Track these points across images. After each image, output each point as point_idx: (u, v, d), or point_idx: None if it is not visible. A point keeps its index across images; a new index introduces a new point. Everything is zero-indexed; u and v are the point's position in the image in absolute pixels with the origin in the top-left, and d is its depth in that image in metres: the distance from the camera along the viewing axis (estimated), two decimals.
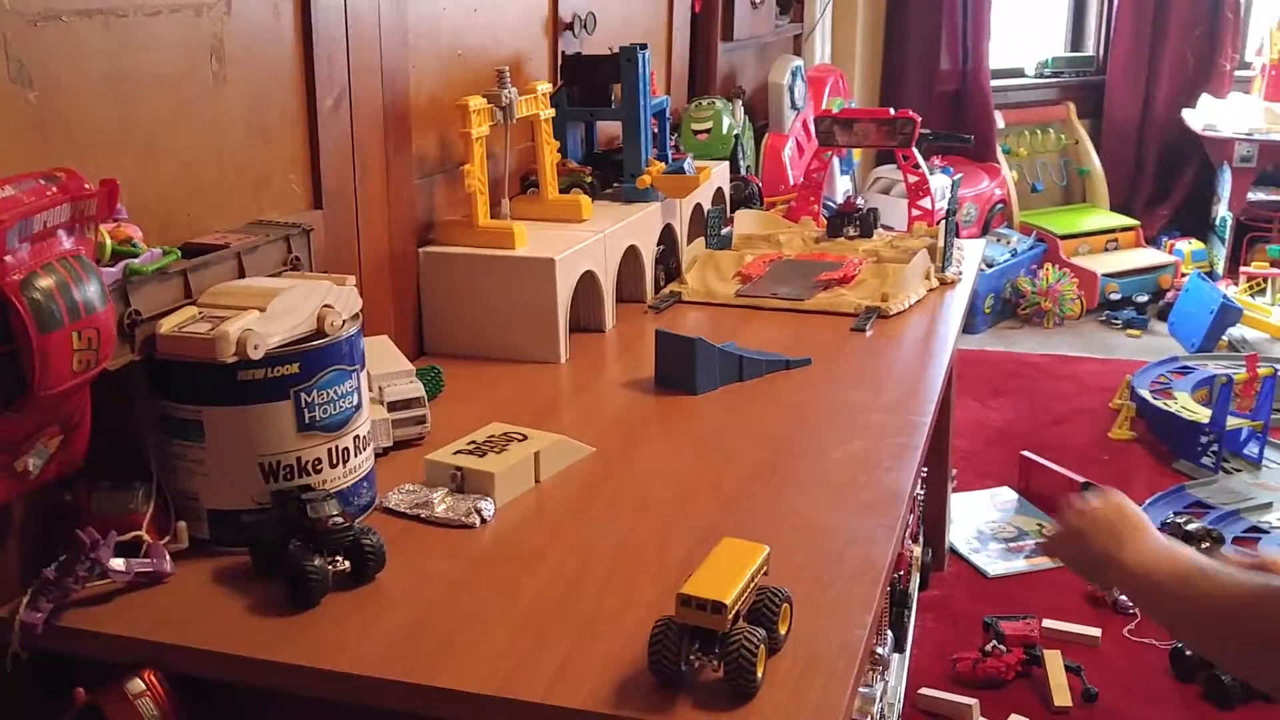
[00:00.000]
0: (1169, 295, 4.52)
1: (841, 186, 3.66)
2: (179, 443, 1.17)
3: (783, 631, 0.99)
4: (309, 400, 1.17)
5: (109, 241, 1.10)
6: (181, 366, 1.13)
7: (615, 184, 2.20)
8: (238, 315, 1.13)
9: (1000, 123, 4.94)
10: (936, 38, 4.80)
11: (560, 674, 0.96)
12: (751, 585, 0.97)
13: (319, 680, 0.99)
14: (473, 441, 1.37)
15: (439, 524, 1.23)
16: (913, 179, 2.44)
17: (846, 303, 1.99)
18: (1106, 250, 4.77)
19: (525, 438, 1.38)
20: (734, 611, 0.93)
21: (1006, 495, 3.00)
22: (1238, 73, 5.06)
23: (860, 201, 2.41)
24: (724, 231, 2.35)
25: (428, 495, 1.27)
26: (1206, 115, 4.83)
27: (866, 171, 4.40)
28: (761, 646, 0.92)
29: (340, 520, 1.11)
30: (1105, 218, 4.94)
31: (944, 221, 2.18)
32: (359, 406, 1.23)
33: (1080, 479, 2.87)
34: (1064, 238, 4.69)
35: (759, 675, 0.92)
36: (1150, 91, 5.09)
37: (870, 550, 1.16)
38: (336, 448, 1.20)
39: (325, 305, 1.21)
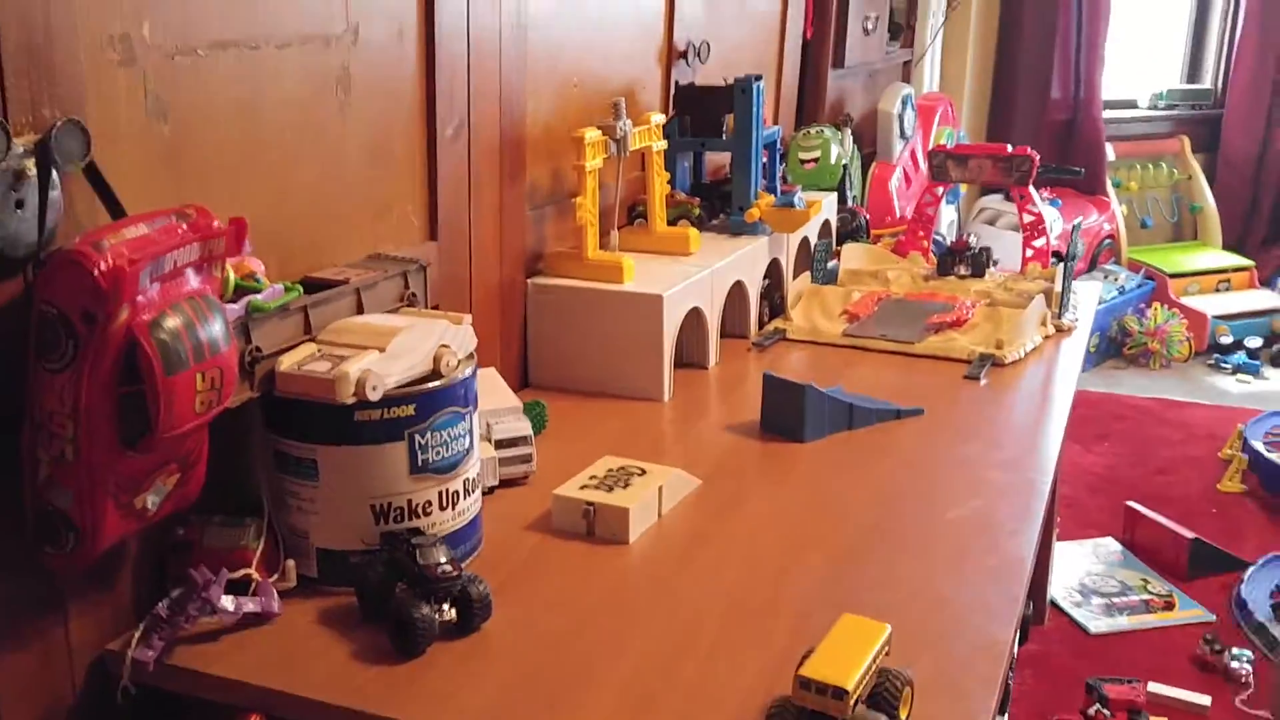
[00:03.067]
0: None
1: (947, 217, 3.59)
2: (292, 480, 1.16)
3: (904, 717, 0.94)
4: (423, 442, 1.15)
5: (233, 277, 1.10)
6: (298, 404, 1.13)
7: (722, 214, 2.17)
8: (357, 354, 1.12)
9: (1111, 155, 4.80)
10: (1048, 66, 4.69)
11: None
12: (873, 668, 0.92)
13: None
14: (593, 476, 1.35)
15: None
16: (1028, 218, 2.37)
17: (959, 348, 1.93)
18: (1218, 290, 4.61)
19: (644, 471, 1.36)
20: (855, 697, 0.89)
21: (1111, 546, 2.90)
22: None
23: (972, 239, 2.34)
24: (830, 265, 2.30)
25: None
26: None
27: (972, 202, 4.31)
28: None
29: (449, 568, 1.09)
30: (1217, 256, 4.77)
31: (1063, 265, 2.11)
32: (470, 449, 1.22)
33: (1189, 535, 2.76)
34: (1174, 276, 4.54)
35: None
36: (1270, 127, 4.91)
37: (991, 624, 1.11)
38: (447, 490, 1.19)
39: (442, 345, 1.19)
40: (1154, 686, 2.25)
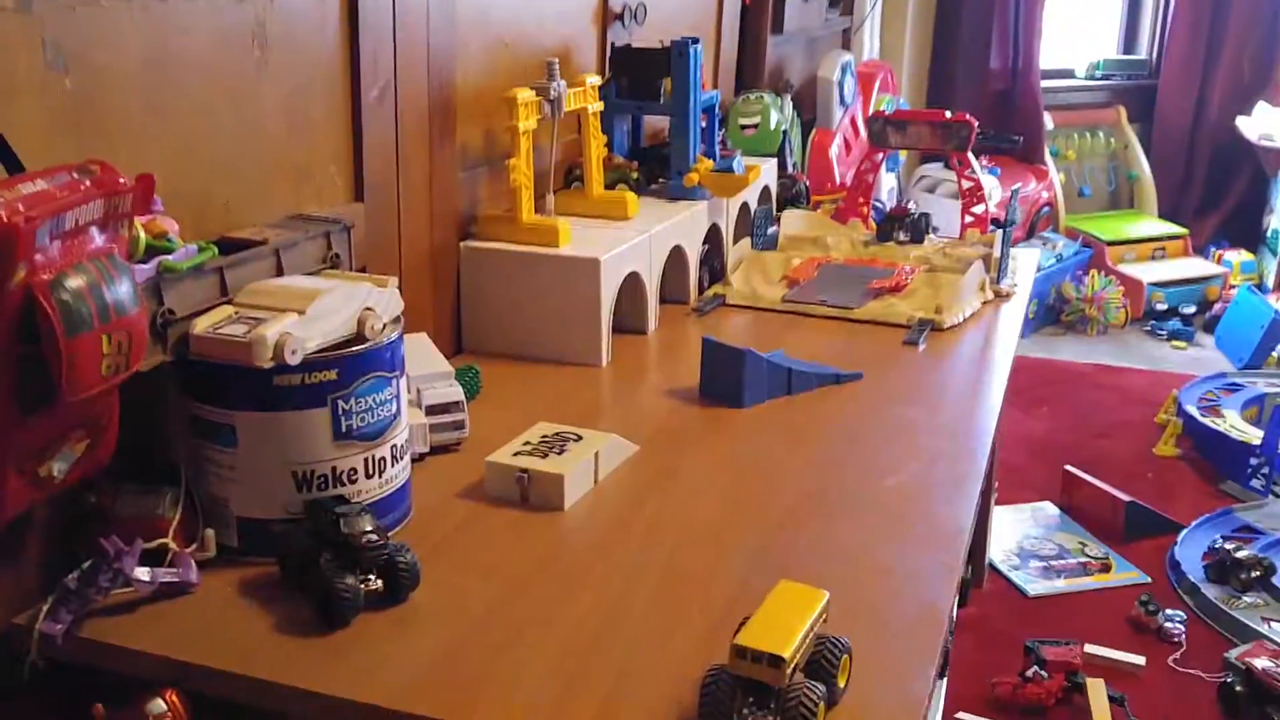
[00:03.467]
0: (1216, 307, 4.42)
1: (887, 184, 3.58)
2: (210, 447, 1.12)
3: (842, 684, 0.93)
4: (346, 408, 1.12)
5: (143, 236, 1.05)
6: (215, 368, 1.08)
7: (660, 179, 2.14)
8: (276, 317, 1.08)
9: (1049, 124, 4.83)
10: (987, 36, 4.70)
11: (601, 717, 0.91)
12: (810, 635, 0.91)
13: (348, 712, 0.94)
14: (527, 443, 1.31)
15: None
16: (967, 184, 2.37)
17: (898, 313, 1.92)
18: (1153, 258, 4.67)
19: (580, 437, 1.33)
20: (792, 665, 0.87)
21: (1049, 510, 2.93)
22: None
23: (912, 205, 2.33)
24: (770, 231, 2.28)
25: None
26: (1263, 124, 4.71)
27: (912, 169, 4.32)
28: (820, 704, 0.86)
29: (374, 537, 1.06)
30: (1153, 225, 4.83)
31: (1001, 231, 2.11)
32: (398, 414, 1.18)
33: (1125, 497, 2.80)
34: (1110, 244, 4.59)
35: None
36: (1204, 97, 4.97)
37: (929, 592, 1.10)
38: (373, 457, 1.15)
39: (366, 308, 1.15)
40: (1090, 648, 2.28)
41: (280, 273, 1.20)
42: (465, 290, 1.73)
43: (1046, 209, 4.66)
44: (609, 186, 1.97)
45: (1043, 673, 2.16)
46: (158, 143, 1.16)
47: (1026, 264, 2.28)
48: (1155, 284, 4.46)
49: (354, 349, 1.12)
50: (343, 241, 1.28)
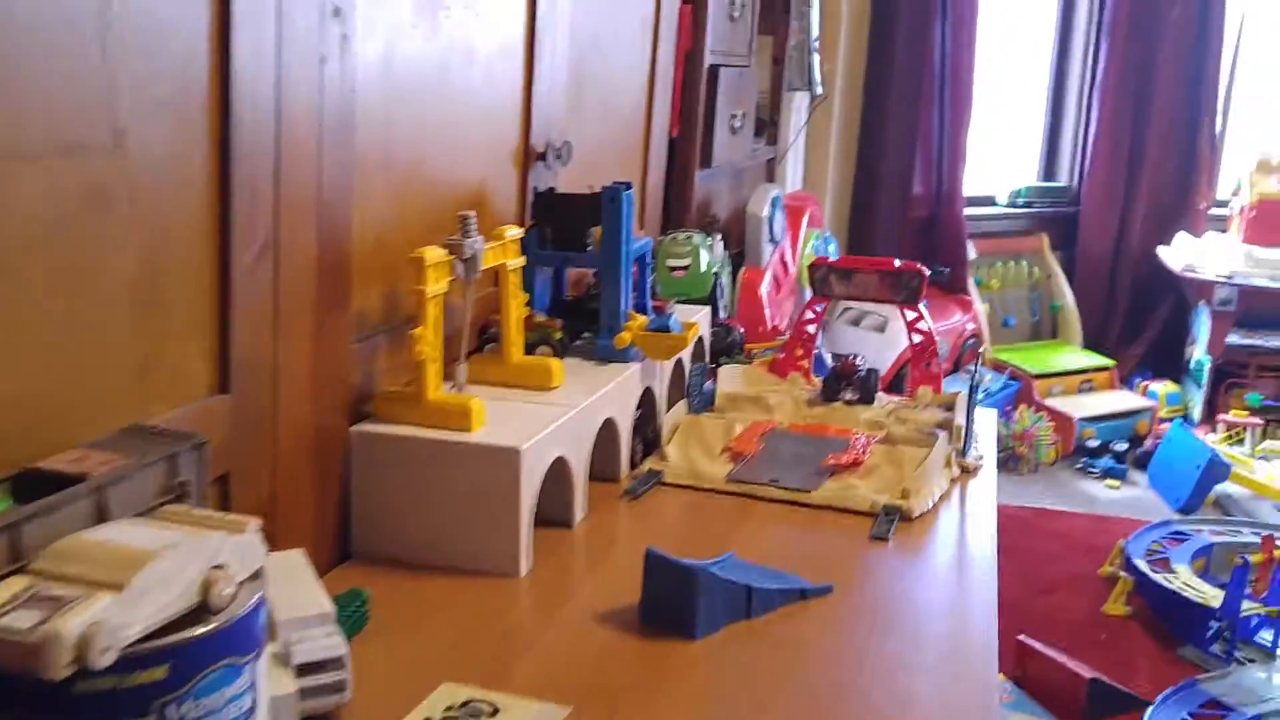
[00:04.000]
0: (1148, 443, 4.31)
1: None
2: None
3: None
4: (179, 716, 0.82)
5: None
6: None
7: (586, 335, 1.89)
8: (84, 597, 0.78)
9: (972, 253, 4.75)
10: (910, 161, 4.63)
11: None
12: None
13: None
14: None
15: None
16: (918, 338, 2.16)
17: (859, 498, 1.68)
18: (1081, 391, 4.56)
19: (496, 710, 1.04)
20: None
21: (1003, 687, 2.69)
22: (1213, 210, 4.94)
23: (859, 360, 2.12)
24: (706, 387, 2.04)
25: None
26: (1185, 255, 4.68)
27: (834, 303, 4.15)
28: None
29: None
30: (1079, 356, 4.74)
31: (968, 396, 1.90)
32: (252, 711, 0.88)
33: (1088, 673, 2.57)
34: (1038, 377, 4.48)
35: None
36: (1125, 225, 4.96)
37: None
38: None
39: (214, 567, 0.86)
40: None
41: (104, 518, 0.90)
42: (355, 484, 1.44)
43: (973, 340, 4.54)
44: (529, 349, 1.72)
45: None
46: None
47: (987, 429, 2.07)
48: (1085, 419, 4.33)
49: (193, 634, 0.82)
50: (192, 463, 0.99)
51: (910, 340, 2.18)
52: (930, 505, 1.69)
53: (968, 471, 1.86)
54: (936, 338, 2.20)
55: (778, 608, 1.35)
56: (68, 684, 0.77)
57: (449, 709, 1.04)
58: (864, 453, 1.80)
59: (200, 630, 0.83)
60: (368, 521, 1.45)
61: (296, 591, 1.15)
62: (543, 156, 1.91)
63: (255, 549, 0.91)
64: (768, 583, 1.36)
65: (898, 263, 2.16)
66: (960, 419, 1.91)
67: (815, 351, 2.31)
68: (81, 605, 0.77)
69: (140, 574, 0.81)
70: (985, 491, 1.79)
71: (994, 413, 2.28)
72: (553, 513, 1.57)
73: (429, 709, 1.04)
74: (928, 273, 2.13)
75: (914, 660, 1.25)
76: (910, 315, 2.16)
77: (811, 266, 2.22)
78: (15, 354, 0.93)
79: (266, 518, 1.25)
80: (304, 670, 1.07)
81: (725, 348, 2.32)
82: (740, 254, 3.09)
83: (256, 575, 0.91)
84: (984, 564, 1.51)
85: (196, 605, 0.85)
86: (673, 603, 1.29)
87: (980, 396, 1.90)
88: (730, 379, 2.12)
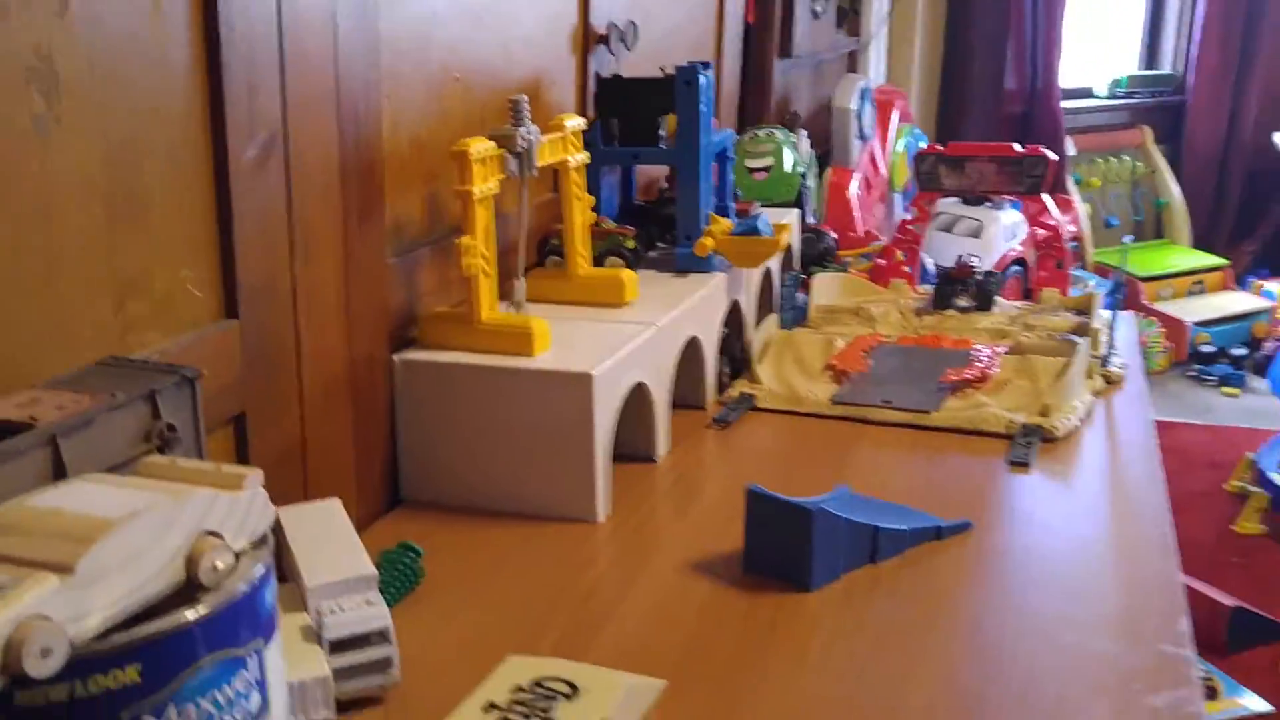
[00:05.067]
0: (1267, 346, 3.97)
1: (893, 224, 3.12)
2: None
3: None
4: None
5: None
6: None
7: (661, 244, 1.67)
8: (19, 584, 0.59)
9: (1071, 149, 4.40)
10: (1002, 55, 4.27)
11: None
12: None
13: None
14: (493, 705, 0.82)
15: None
16: (1043, 234, 1.90)
17: (991, 417, 1.44)
18: (1191, 294, 4.22)
19: (574, 689, 0.84)
20: None
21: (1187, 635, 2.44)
22: None
23: (976, 262, 1.86)
24: (799, 299, 1.81)
25: None
26: None
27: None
28: None
29: None
30: (1190, 257, 4.39)
31: (1105, 295, 1.64)
32: (264, 709, 0.69)
33: (1230, 601, 2.32)
34: (1146, 280, 4.14)
35: None
36: (1236, 114, 4.57)
37: None
38: None
39: (205, 534, 0.66)
40: None
41: (61, 474, 0.71)
42: (402, 421, 1.24)
43: (1074, 244, 4.21)
44: (598, 260, 1.50)
45: None
46: None
47: (1127, 335, 1.81)
48: (1198, 323, 4.00)
49: (173, 622, 0.63)
50: (181, 402, 0.78)
51: (1034, 236, 1.92)
52: (1076, 423, 1.45)
53: (1112, 383, 1.61)
54: (1063, 231, 1.93)
55: (906, 550, 1.13)
56: (5, 698, 0.58)
57: (517, 689, 0.84)
58: (991, 365, 1.56)
59: (185, 619, 0.63)
60: (418, 464, 1.25)
61: (331, 551, 0.96)
62: (605, 40, 1.66)
63: (257, 508, 0.71)
64: (894, 521, 1.14)
65: (1018, 147, 1.89)
66: (1098, 322, 1.66)
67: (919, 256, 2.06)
68: (13, 594, 0.58)
69: (94, 549, 0.61)
70: (1137, 405, 1.54)
71: (1132, 315, 2.00)
72: (631, 447, 1.36)
73: (492, 691, 0.84)
74: (1054, 157, 1.86)
75: (1084, 618, 1.02)
76: (1034, 209, 1.89)
77: (917, 157, 1.96)
78: None
79: (296, 463, 1.06)
80: (339, 647, 0.88)
81: (817, 255, 2.07)
82: (825, 154, 2.82)
83: (261, 542, 0.71)
84: (1153, 492, 1.27)
85: (182, 584, 0.65)
86: (782, 548, 1.07)
87: (1121, 297, 1.63)
88: (825, 289, 1.88)
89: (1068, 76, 4.49)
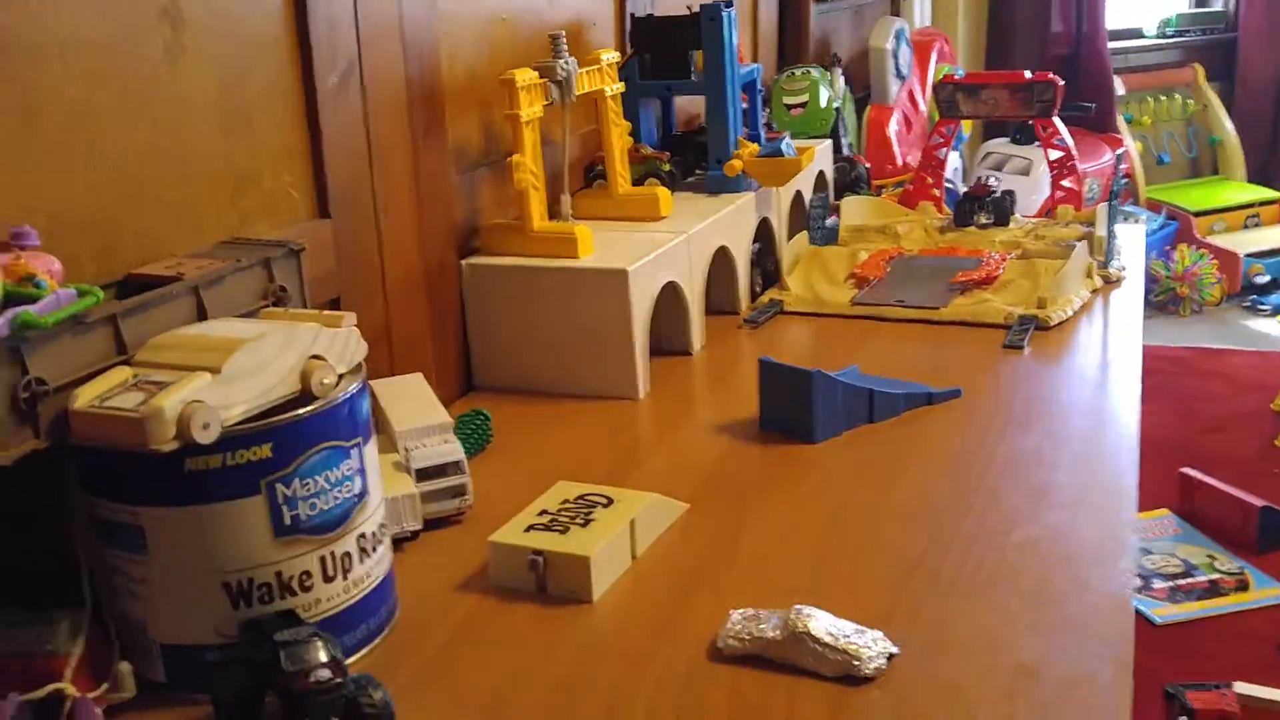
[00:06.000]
0: None
1: (951, 164, 3.25)
2: (116, 555, 0.84)
3: None
4: (288, 494, 0.83)
5: None
6: (115, 454, 0.80)
7: (698, 171, 1.84)
8: (182, 379, 0.80)
9: (1120, 89, 4.46)
10: None
11: None
12: None
13: None
14: (544, 512, 1.02)
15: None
16: (1055, 154, 2.04)
17: (992, 310, 1.61)
18: (1246, 227, 4.27)
19: (610, 501, 1.04)
20: None
21: (1168, 521, 2.58)
22: None
23: (993, 182, 2.01)
24: (829, 223, 1.97)
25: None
26: None
27: (975, 146, 3.98)
28: None
29: (328, 674, 0.77)
30: (1242, 190, 4.43)
31: (1106, 205, 1.78)
32: (364, 494, 0.89)
33: (1258, 502, 2.44)
34: (1197, 214, 4.20)
35: None
36: None
37: (1099, 704, 0.79)
38: (332, 555, 0.86)
39: (312, 357, 0.87)
40: (1242, 687, 1.93)
41: (203, 317, 0.92)
42: (471, 316, 1.44)
43: (1124, 181, 4.29)
44: (638, 181, 1.68)
45: None
46: (31, 160, 0.88)
47: (1132, 242, 1.95)
48: (1252, 255, 4.06)
49: (294, 414, 0.83)
50: (290, 270, 0.99)
51: (1047, 156, 2.06)
52: (1069, 314, 1.60)
53: (1110, 283, 1.75)
54: (1087, 177, 2.06)
55: (901, 412, 1.31)
56: (179, 462, 0.79)
57: (564, 502, 1.04)
58: (998, 268, 1.72)
59: (301, 412, 0.84)
60: (486, 354, 1.46)
61: (415, 408, 1.17)
62: None
63: (353, 342, 0.91)
64: (892, 388, 1.31)
65: (1029, 74, 2.03)
66: (1101, 230, 1.80)
67: (946, 182, 2.21)
68: (180, 386, 0.79)
69: (234, 356, 0.82)
70: (1130, 301, 1.69)
71: (1141, 228, 2.14)
72: (671, 343, 1.55)
73: (545, 503, 1.04)
74: (1061, 82, 2.00)
75: (1050, 456, 1.19)
76: (1046, 131, 2.03)
77: (936, 87, 2.10)
78: (98, 175, 0.95)
79: (384, 346, 1.27)
80: (424, 475, 1.09)
81: (849, 183, 2.23)
82: (866, 96, 2.97)
83: (357, 369, 0.91)
84: (1128, 366, 1.42)
85: (298, 394, 0.86)
86: (790, 408, 1.25)
87: (1117, 200, 1.78)
88: (855, 211, 2.03)
89: (1117, 17, 4.54)
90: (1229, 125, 4.59)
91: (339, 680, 0.77)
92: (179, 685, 0.85)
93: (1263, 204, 4.33)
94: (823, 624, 0.84)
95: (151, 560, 0.83)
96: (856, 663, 0.82)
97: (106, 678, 0.84)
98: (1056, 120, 2.01)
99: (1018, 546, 1.00)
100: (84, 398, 0.80)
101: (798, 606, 0.86)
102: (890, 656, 0.84)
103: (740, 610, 0.89)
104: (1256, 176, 4.57)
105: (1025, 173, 3.89)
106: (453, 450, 1.10)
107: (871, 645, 0.84)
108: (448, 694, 0.85)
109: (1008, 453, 1.19)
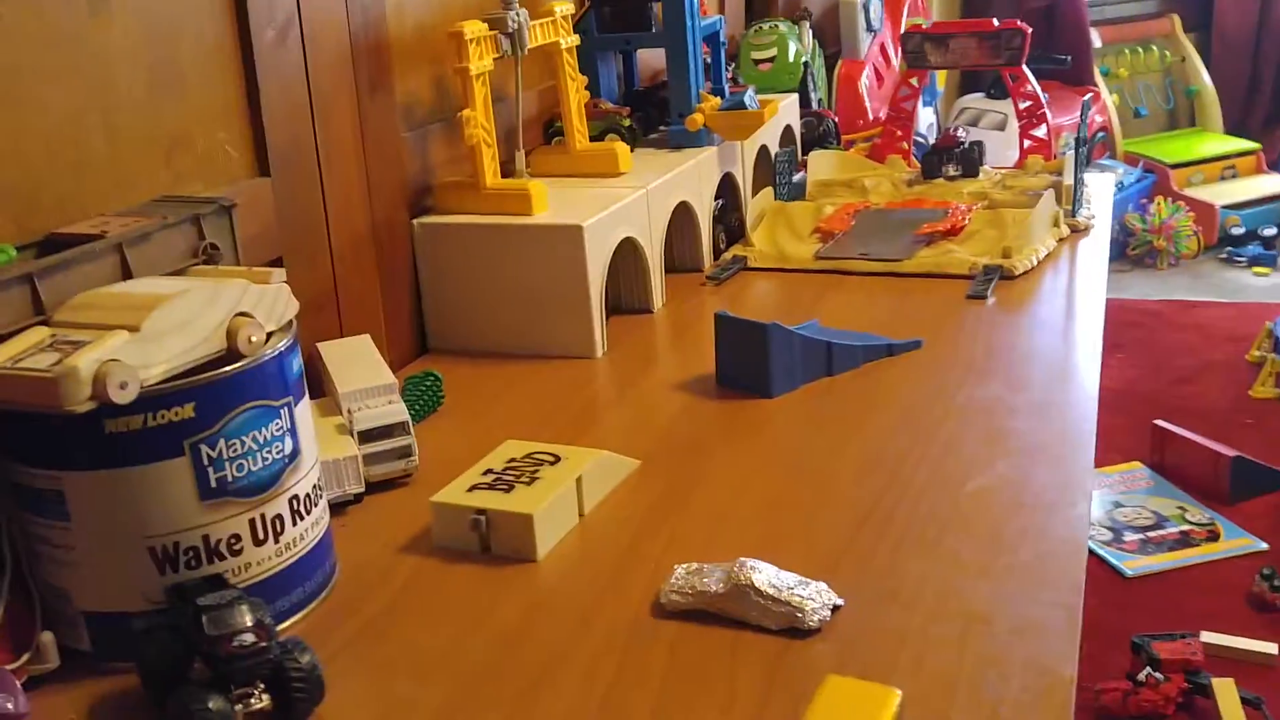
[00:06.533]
0: None
1: (925, 120, 3.22)
2: (38, 521, 0.82)
3: None
4: (213, 455, 0.81)
5: None
6: (30, 417, 0.78)
7: (661, 127, 1.81)
8: (99, 338, 0.77)
9: (1097, 41, 4.42)
10: None
11: None
12: None
13: None
14: (489, 471, 1.00)
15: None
16: (1024, 103, 2.01)
17: (957, 261, 1.58)
18: (1223, 179, 4.25)
19: (557, 459, 1.02)
20: None
21: (1139, 473, 2.57)
22: None
23: (961, 133, 1.98)
24: (796, 178, 1.94)
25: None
26: None
27: (950, 102, 3.94)
28: None
29: (250, 638, 0.75)
30: (1220, 142, 4.40)
31: (1072, 153, 1.76)
32: (295, 454, 0.87)
33: (1229, 451, 2.43)
34: (1175, 167, 4.18)
35: None
36: None
37: (1046, 650, 0.78)
38: (262, 517, 0.84)
39: (239, 314, 0.84)
40: (1209, 637, 1.93)
41: (128, 276, 0.89)
42: (423, 277, 1.41)
43: (1101, 134, 4.26)
44: (597, 138, 1.65)
45: (1157, 674, 1.82)
46: None
47: (1101, 191, 1.92)
48: (1228, 206, 4.04)
49: (218, 372, 0.81)
50: (221, 227, 0.96)
51: (1016, 106, 2.03)
52: (1034, 263, 1.58)
53: (1078, 230, 1.73)
54: (1063, 131, 2.03)
55: (861, 364, 1.29)
56: (98, 424, 0.77)
57: (511, 460, 1.02)
58: (964, 219, 1.69)
59: (225, 370, 0.81)
60: (441, 315, 1.43)
61: (359, 369, 1.14)
62: None
63: (283, 299, 0.89)
64: (850, 340, 1.29)
65: (996, 22, 1.99)
66: (1068, 178, 1.78)
67: (919, 137, 2.18)
68: (97, 345, 0.76)
69: (155, 314, 0.79)
70: (1097, 249, 1.67)
71: (1111, 178, 2.12)
72: (632, 301, 1.53)
73: (490, 462, 1.02)
74: (1029, 30, 1.96)
75: (1009, 402, 1.17)
76: (1015, 79, 2.00)
77: (903, 36, 2.07)
78: (22, 135, 0.92)
79: (331, 308, 1.24)
80: (367, 437, 1.06)
81: (817, 137, 2.20)
82: (838, 52, 2.93)
83: (288, 326, 0.89)
84: (1092, 314, 1.41)
85: (224, 352, 0.83)
86: (746, 362, 1.23)
87: (1085, 147, 1.75)
88: (822, 165, 2.00)
89: None
90: (1206, 77, 4.56)
91: (264, 645, 0.75)
92: (105, 654, 0.83)
93: (1239, 155, 4.30)
94: (766, 577, 0.83)
95: (74, 527, 0.80)
96: (800, 615, 0.81)
97: (28, 648, 0.82)
98: (1025, 69, 1.97)
99: (972, 495, 0.98)
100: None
101: (742, 560, 0.84)
102: (835, 608, 0.82)
103: (684, 565, 0.87)
104: (1233, 128, 4.55)
105: (1000, 128, 3.86)
106: (397, 411, 1.08)
107: (815, 597, 0.82)
108: (384, 656, 0.83)
109: (966, 402, 1.17)
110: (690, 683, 0.77)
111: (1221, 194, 4.11)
